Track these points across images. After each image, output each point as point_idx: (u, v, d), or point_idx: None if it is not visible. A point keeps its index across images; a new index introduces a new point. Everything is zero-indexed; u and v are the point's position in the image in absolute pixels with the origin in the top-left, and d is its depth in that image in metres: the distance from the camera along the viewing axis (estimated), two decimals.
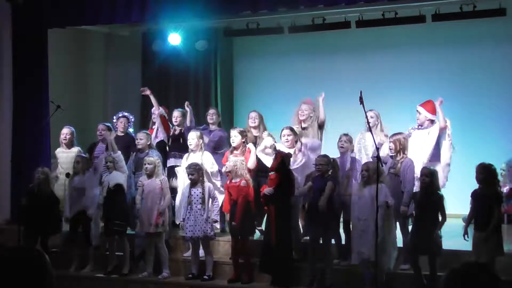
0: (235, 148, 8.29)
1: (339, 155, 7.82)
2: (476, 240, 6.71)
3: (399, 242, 7.35)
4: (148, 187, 8.04)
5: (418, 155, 7.89)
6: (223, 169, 8.12)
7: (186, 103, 9.46)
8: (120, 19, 9.95)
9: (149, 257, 8.17)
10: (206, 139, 8.78)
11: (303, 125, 8.33)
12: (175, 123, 9.23)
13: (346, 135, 7.89)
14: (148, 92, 9.54)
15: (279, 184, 7.51)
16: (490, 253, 6.55)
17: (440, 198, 6.96)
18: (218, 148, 8.93)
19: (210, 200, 7.85)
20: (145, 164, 8.09)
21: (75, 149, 9.15)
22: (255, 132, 8.63)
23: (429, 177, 6.93)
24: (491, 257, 6.51)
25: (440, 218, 6.87)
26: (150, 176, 8.07)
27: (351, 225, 7.43)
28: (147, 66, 12.01)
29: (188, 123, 9.22)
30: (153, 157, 8.14)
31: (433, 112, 8.24)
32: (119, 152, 8.42)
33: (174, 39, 11.06)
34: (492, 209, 6.62)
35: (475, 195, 6.84)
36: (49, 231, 8.49)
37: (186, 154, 8.55)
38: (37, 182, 8.44)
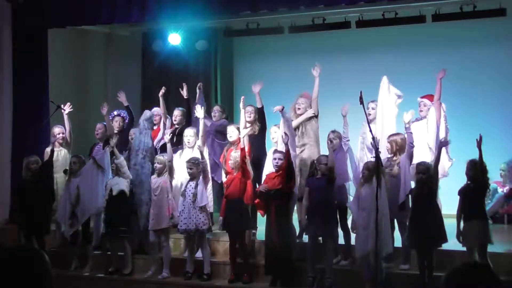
0: (232, 144, 8.29)
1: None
2: (466, 230, 6.86)
3: (398, 242, 7.36)
4: (156, 185, 8.08)
5: (424, 145, 7.87)
6: (229, 164, 8.02)
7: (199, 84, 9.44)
8: (120, 19, 9.96)
9: (155, 255, 8.19)
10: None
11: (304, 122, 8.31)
12: (174, 122, 9.24)
13: (333, 131, 7.94)
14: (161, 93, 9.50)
15: (281, 185, 7.49)
16: (480, 240, 6.73)
17: (435, 189, 7.06)
18: (222, 135, 8.86)
19: (201, 179, 7.85)
20: (155, 163, 8.15)
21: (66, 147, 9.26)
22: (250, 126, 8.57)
23: (426, 173, 6.99)
24: (481, 245, 6.72)
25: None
26: (159, 174, 8.12)
27: (350, 224, 7.43)
28: (147, 66, 12.01)
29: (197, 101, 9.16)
30: (163, 157, 8.15)
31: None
32: (122, 157, 8.44)
33: (174, 39, 11.07)
34: (481, 200, 6.87)
35: (462, 190, 6.96)
36: (39, 230, 8.49)
37: (180, 151, 8.61)
38: (32, 173, 8.48)
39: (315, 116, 8.21)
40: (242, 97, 8.54)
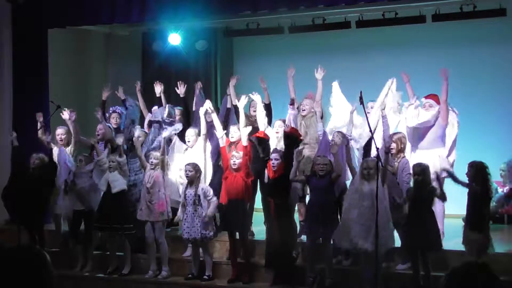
0: (234, 144, 8.27)
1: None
2: (467, 238, 6.84)
3: (397, 243, 7.35)
4: (150, 177, 8.03)
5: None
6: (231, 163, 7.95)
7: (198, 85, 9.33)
8: (120, 19, 9.97)
9: (152, 253, 8.16)
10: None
11: (305, 120, 8.31)
12: None
13: (339, 132, 7.97)
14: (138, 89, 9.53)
15: (283, 174, 7.49)
16: (481, 248, 6.69)
17: (432, 192, 7.00)
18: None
19: (206, 200, 7.83)
20: (151, 159, 8.10)
21: (71, 148, 9.20)
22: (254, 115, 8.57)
23: (421, 175, 6.98)
24: (482, 253, 6.66)
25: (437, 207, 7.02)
26: (154, 168, 8.08)
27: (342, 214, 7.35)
28: (147, 66, 12.02)
29: (193, 107, 9.10)
30: (158, 152, 8.13)
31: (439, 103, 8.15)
32: (125, 156, 8.43)
33: (174, 39, 11.08)
34: (482, 207, 6.80)
35: (468, 194, 6.94)
36: (34, 225, 8.54)
37: (184, 150, 8.56)
38: (32, 167, 8.61)
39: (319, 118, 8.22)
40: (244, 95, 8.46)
